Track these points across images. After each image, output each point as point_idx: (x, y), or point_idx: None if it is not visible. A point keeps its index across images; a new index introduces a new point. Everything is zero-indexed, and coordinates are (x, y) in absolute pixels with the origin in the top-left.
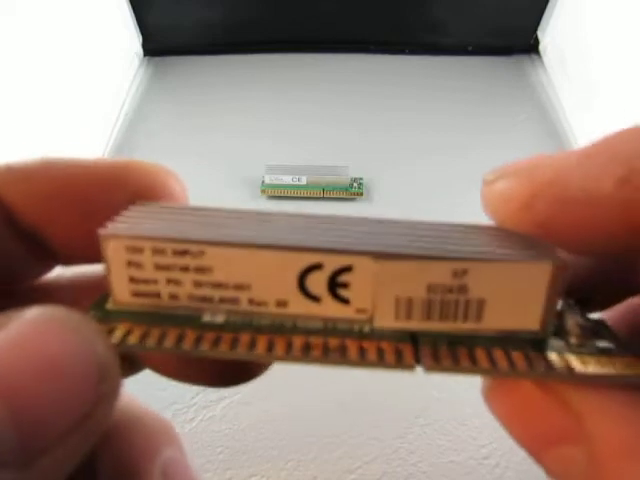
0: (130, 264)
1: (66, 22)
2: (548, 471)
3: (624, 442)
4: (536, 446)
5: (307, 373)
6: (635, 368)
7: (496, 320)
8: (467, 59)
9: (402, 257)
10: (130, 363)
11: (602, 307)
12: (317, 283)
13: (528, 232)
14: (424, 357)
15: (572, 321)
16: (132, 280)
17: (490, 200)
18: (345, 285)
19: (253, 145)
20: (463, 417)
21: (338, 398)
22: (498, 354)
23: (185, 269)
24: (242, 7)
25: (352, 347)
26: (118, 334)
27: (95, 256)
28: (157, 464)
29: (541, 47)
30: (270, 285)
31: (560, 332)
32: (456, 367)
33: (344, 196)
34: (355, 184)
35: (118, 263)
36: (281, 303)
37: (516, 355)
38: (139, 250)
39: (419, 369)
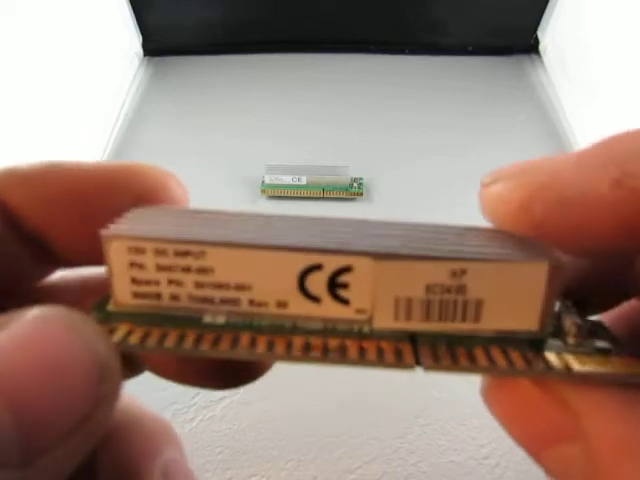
0: (132, 265)
1: (66, 22)
2: (547, 470)
3: (621, 440)
4: (535, 445)
5: (307, 373)
6: (632, 367)
7: (494, 320)
8: (467, 59)
9: (400, 257)
10: (130, 365)
11: (600, 309)
12: (317, 284)
13: (525, 234)
14: (423, 357)
15: (570, 321)
16: (134, 281)
17: (488, 202)
18: (345, 285)
19: (253, 145)
20: (463, 417)
21: (338, 398)
22: (496, 354)
23: (187, 270)
24: (242, 7)
25: (352, 347)
26: (119, 334)
27: (98, 259)
28: (157, 465)
29: (541, 47)
30: (270, 286)
31: (558, 332)
32: (455, 366)
33: (344, 196)
34: (355, 184)
35: (120, 264)
36: (281, 304)
37: (514, 355)
38: (141, 251)
39: (418, 369)
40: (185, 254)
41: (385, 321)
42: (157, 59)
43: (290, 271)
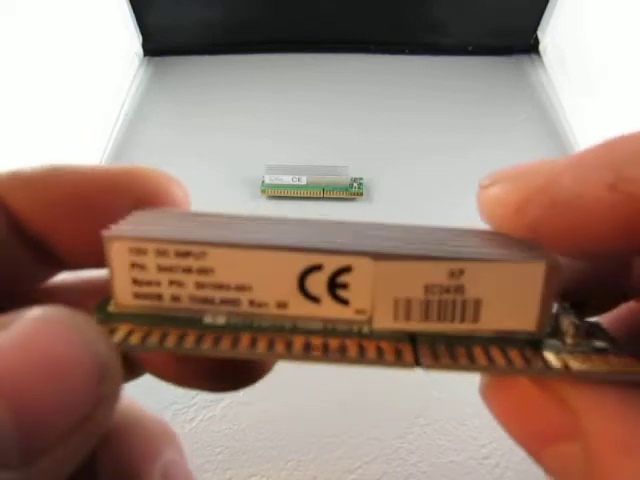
0: (133, 266)
1: (66, 22)
2: (546, 469)
3: (620, 438)
4: (534, 444)
5: (307, 373)
6: (631, 366)
7: (493, 320)
8: (467, 59)
9: (399, 257)
10: (131, 367)
11: (598, 311)
12: (317, 284)
13: (522, 236)
14: (423, 356)
15: (567, 322)
16: (135, 282)
17: (485, 205)
18: (344, 286)
19: (253, 145)
20: (463, 417)
21: (338, 398)
22: (495, 353)
23: (188, 270)
24: (242, 7)
25: (352, 347)
26: (120, 335)
27: (100, 262)
28: (157, 466)
29: (541, 47)
30: (271, 286)
31: (556, 333)
32: (454, 365)
33: (344, 196)
34: (355, 184)
35: (121, 265)
36: (281, 304)
37: (513, 353)
38: (142, 252)
39: (418, 368)
40: (186, 255)
41: (384, 321)
42: (157, 59)
43: (290, 271)
